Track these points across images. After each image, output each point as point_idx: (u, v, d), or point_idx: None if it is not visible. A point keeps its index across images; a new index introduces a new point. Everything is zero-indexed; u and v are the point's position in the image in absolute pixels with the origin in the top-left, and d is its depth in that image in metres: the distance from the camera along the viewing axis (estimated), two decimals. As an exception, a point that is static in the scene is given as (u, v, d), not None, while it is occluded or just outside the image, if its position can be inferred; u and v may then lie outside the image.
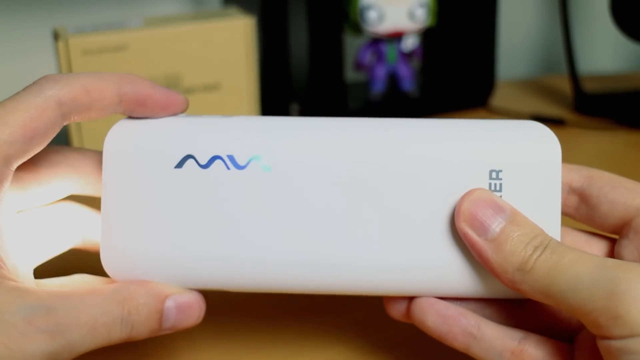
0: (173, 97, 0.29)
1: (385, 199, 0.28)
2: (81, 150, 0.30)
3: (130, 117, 0.29)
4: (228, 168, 0.28)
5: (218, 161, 0.28)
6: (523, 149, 0.28)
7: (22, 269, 0.28)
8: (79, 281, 0.30)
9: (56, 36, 0.48)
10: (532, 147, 0.28)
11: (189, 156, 0.28)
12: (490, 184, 0.27)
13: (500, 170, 0.27)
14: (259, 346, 0.34)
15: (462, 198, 0.27)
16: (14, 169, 0.26)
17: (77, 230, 0.31)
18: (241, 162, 0.28)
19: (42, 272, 0.30)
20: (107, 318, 0.25)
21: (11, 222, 0.28)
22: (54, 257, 0.31)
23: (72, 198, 0.31)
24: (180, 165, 0.28)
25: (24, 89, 0.27)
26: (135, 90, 0.28)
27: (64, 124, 0.27)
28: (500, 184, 0.27)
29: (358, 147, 0.28)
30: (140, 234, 0.28)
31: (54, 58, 0.58)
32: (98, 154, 0.30)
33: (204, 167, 0.28)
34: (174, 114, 0.30)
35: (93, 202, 0.31)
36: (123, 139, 0.28)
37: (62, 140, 0.50)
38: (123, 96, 0.28)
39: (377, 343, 0.34)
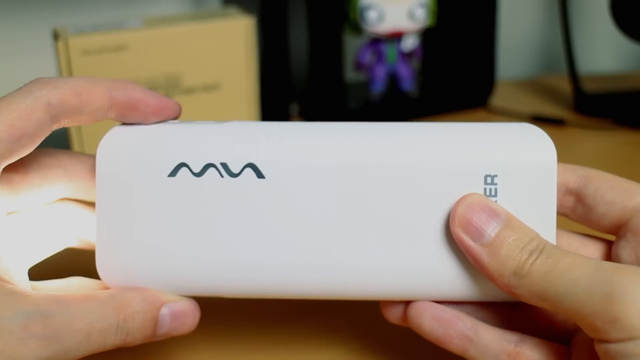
0: (165, 101, 0.29)
1: (381, 205, 0.28)
2: (74, 154, 0.30)
3: (124, 124, 0.29)
4: (222, 176, 0.28)
5: (211, 169, 0.28)
6: (518, 153, 0.28)
7: (17, 270, 0.28)
8: (75, 284, 0.30)
9: (56, 36, 0.48)
10: (527, 151, 0.28)
11: (183, 164, 0.28)
12: (485, 189, 0.27)
13: (495, 175, 0.27)
14: (256, 348, 0.34)
15: (457, 203, 0.27)
16: (1, 169, 0.26)
17: (71, 229, 0.31)
18: (235, 170, 0.28)
19: (38, 273, 0.30)
20: (103, 324, 0.26)
21: (2, 224, 0.28)
22: (50, 258, 0.31)
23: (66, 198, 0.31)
24: (173, 173, 0.28)
25: (14, 91, 0.27)
26: (126, 94, 0.28)
27: (55, 127, 0.27)
28: (496, 189, 0.27)
29: (352, 153, 0.28)
30: (135, 242, 0.28)
31: (54, 58, 0.59)
32: (91, 158, 0.30)
33: (198, 175, 0.28)
34: (167, 119, 0.30)
35: (87, 201, 0.31)
36: (116, 146, 0.28)
37: (63, 146, 0.49)
38: (114, 100, 0.28)
39: (375, 344, 0.34)
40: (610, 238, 0.30)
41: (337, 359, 0.33)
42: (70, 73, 0.47)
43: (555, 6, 0.79)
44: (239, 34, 0.51)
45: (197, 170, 0.28)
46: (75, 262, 0.33)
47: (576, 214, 0.30)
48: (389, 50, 0.64)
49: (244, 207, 0.28)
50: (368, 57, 0.65)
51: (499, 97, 0.68)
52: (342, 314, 0.36)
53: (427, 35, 0.68)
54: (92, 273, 0.29)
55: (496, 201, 0.27)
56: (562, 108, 0.66)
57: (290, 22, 0.59)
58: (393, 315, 0.30)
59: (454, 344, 0.28)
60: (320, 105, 0.61)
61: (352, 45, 0.65)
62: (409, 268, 0.28)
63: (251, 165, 0.28)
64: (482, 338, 0.28)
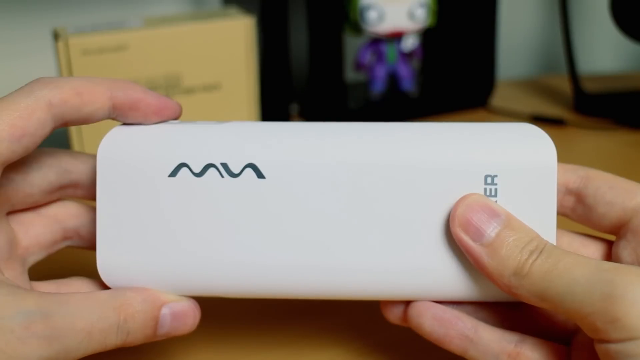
0: (166, 101, 0.29)
1: (381, 204, 0.28)
2: (74, 153, 0.30)
3: (124, 124, 0.29)
4: (222, 176, 0.28)
5: (212, 169, 0.28)
6: (518, 153, 0.28)
7: (17, 270, 0.28)
8: (75, 284, 0.30)
9: (56, 36, 0.48)
10: (527, 151, 0.28)
11: (183, 164, 0.28)
12: (485, 189, 0.27)
13: (496, 175, 0.27)
14: (256, 348, 0.34)
15: (457, 203, 0.27)
16: (2, 169, 0.26)
17: (71, 229, 0.31)
18: (235, 170, 0.28)
19: (38, 273, 0.30)
20: (104, 324, 0.26)
21: (2, 223, 0.28)
22: (50, 258, 0.31)
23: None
24: (174, 174, 0.28)
25: (15, 91, 0.27)
26: (127, 94, 0.28)
27: (56, 126, 0.27)
28: (496, 189, 0.27)
29: (352, 152, 0.28)
30: (136, 242, 0.28)
31: (54, 58, 0.59)
32: (92, 158, 0.30)
33: (198, 175, 0.28)
34: (168, 119, 0.30)
35: (87, 201, 0.31)
36: (117, 146, 0.28)
37: (63, 146, 0.49)
38: (115, 99, 0.28)
39: (375, 344, 0.34)
40: (611, 238, 0.30)
41: (337, 359, 0.33)
42: (70, 73, 0.48)
43: (555, 6, 0.79)
44: (239, 34, 0.52)
45: (197, 170, 0.28)
46: (75, 262, 0.33)
47: (576, 214, 0.30)
48: (389, 50, 0.64)
49: (244, 208, 0.28)
50: (368, 57, 0.65)
51: (499, 97, 0.68)
52: (342, 314, 0.36)
53: (427, 35, 0.68)
54: (92, 273, 0.29)
55: (496, 201, 0.27)
56: (562, 108, 0.66)
57: (290, 22, 0.59)
58: (393, 315, 0.30)
59: (454, 344, 0.28)
60: (320, 105, 0.61)
61: (352, 45, 0.65)
62: (409, 268, 0.28)
63: (251, 166, 0.28)
64: (482, 338, 0.28)
